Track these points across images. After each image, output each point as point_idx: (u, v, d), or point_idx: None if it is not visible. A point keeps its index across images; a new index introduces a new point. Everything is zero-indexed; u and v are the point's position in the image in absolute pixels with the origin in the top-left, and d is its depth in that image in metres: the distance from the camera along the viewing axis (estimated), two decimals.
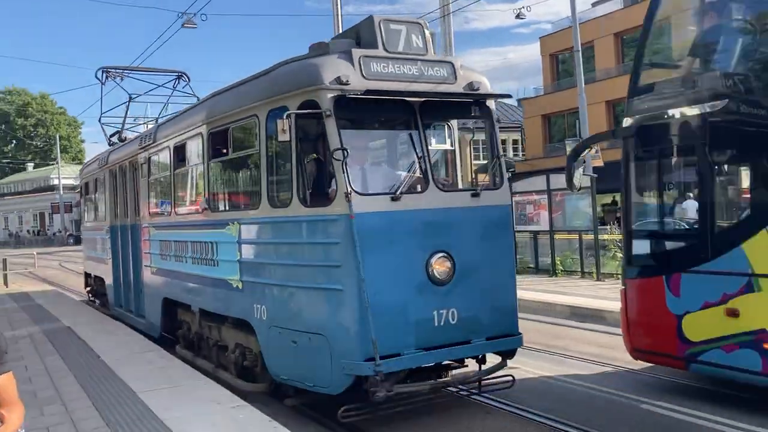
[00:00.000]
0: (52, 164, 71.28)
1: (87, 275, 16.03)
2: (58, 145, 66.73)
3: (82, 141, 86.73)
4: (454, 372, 6.95)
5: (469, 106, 6.88)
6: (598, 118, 30.84)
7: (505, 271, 6.66)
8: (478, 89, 6.76)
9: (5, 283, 20.25)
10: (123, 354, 8.53)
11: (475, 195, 6.54)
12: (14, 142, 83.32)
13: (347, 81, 5.98)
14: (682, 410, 6.38)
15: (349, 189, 5.79)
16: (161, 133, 9.70)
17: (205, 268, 7.98)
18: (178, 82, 14.67)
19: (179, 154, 8.90)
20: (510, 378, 6.86)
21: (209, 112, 7.79)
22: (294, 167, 6.23)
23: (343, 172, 5.84)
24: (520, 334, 6.70)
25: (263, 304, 6.70)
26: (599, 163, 16.17)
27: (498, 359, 6.76)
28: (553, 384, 7.61)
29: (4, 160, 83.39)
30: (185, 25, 18.06)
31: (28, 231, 71.93)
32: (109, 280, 13.21)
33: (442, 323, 6.17)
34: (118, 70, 14.76)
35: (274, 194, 6.57)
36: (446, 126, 7.50)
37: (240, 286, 7.12)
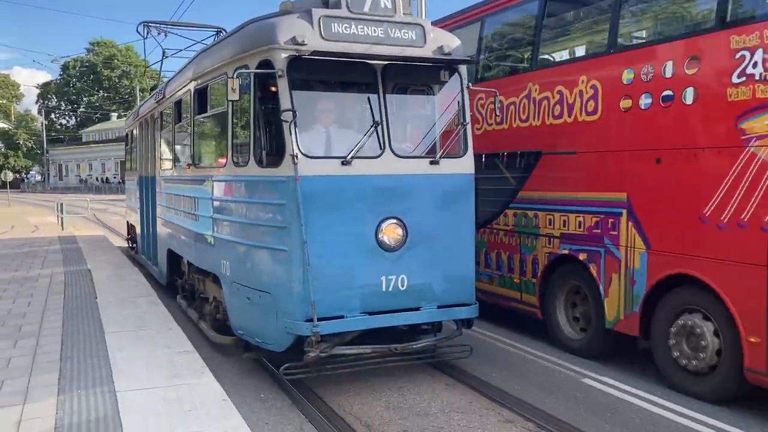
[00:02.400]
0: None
1: (127, 223, 16.79)
2: (138, 98, 69.25)
3: None
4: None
5: (438, 70, 6.72)
6: None
7: (462, 240, 6.56)
8: (449, 53, 6.58)
9: (62, 226, 21.46)
10: (119, 298, 8.94)
11: (434, 162, 6.43)
12: (101, 92, 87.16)
13: (303, 41, 5.93)
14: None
15: (296, 151, 5.82)
16: (168, 88, 9.94)
17: (192, 222, 8.23)
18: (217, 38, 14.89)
19: (178, 109, 9.12)
20: (467, 347, 6.83)
21: (196, 69, 7.92)
22: (252, 127, 6.30)
23: (291, 134, 5.86)
24: (476, 303, 6.63)
25: (228, 260, 6.89)
26: None
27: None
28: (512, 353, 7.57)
29: (92, 110, 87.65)
30: None
31: (97, 178, 76.00)
32: (138, 229, 13.82)
33: (390, 289, 6.17)
34: (158, 25, 15.07)
35: (237, 153, 6.67)
36: (425, 90, 7.34)
37: (213, 241, 7.33)
